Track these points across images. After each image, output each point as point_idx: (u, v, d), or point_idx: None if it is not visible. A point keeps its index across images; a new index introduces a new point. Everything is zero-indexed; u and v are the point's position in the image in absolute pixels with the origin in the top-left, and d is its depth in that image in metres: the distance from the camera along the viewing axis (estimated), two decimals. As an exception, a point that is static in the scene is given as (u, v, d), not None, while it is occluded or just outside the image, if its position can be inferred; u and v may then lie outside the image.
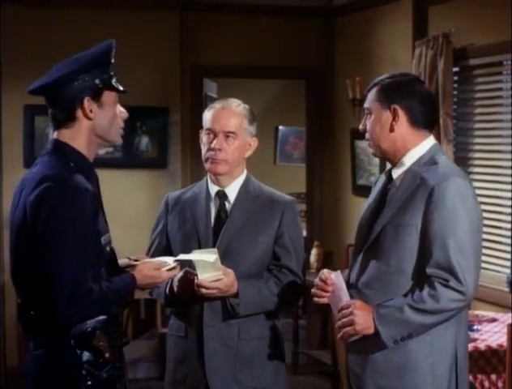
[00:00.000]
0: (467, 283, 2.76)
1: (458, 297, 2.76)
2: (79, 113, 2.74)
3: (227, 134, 3.22)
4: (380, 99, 2.92)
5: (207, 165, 3.26)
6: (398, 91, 2.93)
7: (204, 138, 3.27)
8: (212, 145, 3.22)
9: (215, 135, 3.22)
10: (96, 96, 2.75)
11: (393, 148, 2.93)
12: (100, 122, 2.77)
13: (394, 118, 2.91)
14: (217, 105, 3.29)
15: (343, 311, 2.83)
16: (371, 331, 2.80)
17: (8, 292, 6.36)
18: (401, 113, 2.90)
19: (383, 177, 3.06)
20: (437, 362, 2.84)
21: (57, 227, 2.60)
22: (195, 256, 3.07)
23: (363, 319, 2.80)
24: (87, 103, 2.74)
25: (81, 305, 2.62)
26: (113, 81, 2.80)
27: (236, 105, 3.28)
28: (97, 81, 2.75)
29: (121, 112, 2.86)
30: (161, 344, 6.33)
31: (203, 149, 3.28)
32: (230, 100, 3.31)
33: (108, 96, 2.79)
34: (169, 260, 2.96)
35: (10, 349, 6.39)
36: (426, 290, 2.77)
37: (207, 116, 3.28)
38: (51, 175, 2.66)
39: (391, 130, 2.91)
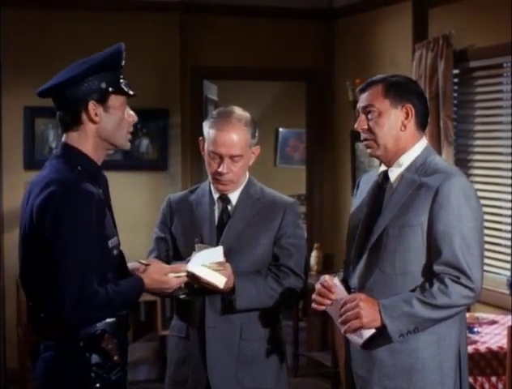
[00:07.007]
0: (476, 280, 2.77)
1: (468, 293, 2.77)
2: (84, 116, 2.72)
3: (233, 158, 3.21)
4: (389, 96, 2.90)
5: (214, 184, 3.27)
6: (408, 90, 2.93)
7: (208, 157, 3.24)
8: (220, 170, 3.21)
9: (221, 159, 3.21)
10: (102, 100, 2.72)
11: (395, 148, 2.93)
12: (105, 126, 2.74)
13: (406, 117, 2.91)
14: (219, 123, 3.21)
15: (348, 305, 2.79)
16: (377, 324, 2.77)
17: (8, 294, 6.36)
18: (412, 112, 2.91)
19: (372, 177, 3.05)
20: (444, 361, 2.84)
21: (62, 231, 2.59)
22: (207, 273, 3.04)
23: (369, 312, 2.76)
24: (93, 106, 2.71)
25: (86, 308, 2.61)
26: (122, 84, 2.76)
27: (238, 121, 3.22)
28: (104, 84, 2.72)
29: (130, 115, 2.82)
30: (161, 346, 6.33)
31: (208, 166, 3.26)
32: (230, 112, 3.25)
33: (115, 100, 2.75)
34: (182, 267, 2.94)
35: (10, 351, 6.38)
36: (436, 285, 2.76)
37: (211, 135, 3.22)
38: (56, 179, 2.66)
39: (402, 128, 2.91)
